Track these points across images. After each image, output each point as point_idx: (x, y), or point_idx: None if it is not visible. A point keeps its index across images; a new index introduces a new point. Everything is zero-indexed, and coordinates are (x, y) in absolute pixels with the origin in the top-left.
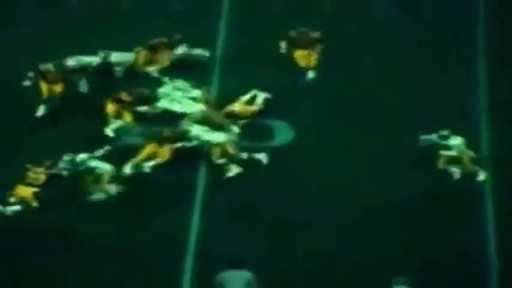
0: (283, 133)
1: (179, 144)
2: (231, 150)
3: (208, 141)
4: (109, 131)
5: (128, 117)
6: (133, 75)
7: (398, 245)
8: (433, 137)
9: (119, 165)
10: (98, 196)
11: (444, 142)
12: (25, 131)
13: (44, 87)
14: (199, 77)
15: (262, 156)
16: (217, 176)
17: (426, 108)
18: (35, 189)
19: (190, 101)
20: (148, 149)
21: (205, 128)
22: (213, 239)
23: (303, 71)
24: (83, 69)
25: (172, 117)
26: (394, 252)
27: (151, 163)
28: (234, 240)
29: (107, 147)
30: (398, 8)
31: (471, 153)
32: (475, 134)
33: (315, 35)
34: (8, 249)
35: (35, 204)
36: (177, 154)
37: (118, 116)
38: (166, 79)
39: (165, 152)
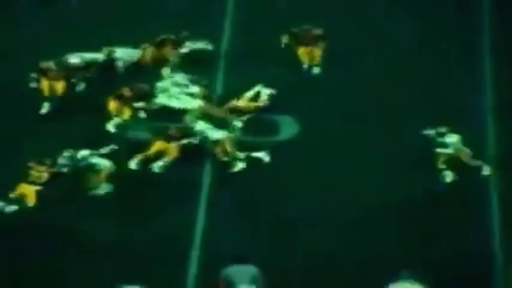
0: (288, 128)
1: (185, 141)
2: (229, 147)
3: (206, 137)
4: (111, 127)
5: (128, 113)
6: (134, 70)
7: (400, 244)
8: (432, 132)
9: (123, 161)
10: (99, 191)
11: (440, 139)
12: (26, 130)
13: (45, 85)
14: (204, 74)
15: (263, 155)
16: (222, 173)
17: (429, 107)
18: (38, 187)
19: (188, 97)
20: (157, 146)
21: (209, 125)
22: (217, 237)
23: (307, 67)
24: (84, 67)
25: (171, 113)
26: (395, 252)
27: (161, 163)
28: (238, 238)
29: (112, 146)
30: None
31: (467, 151)
32: (479, 133)
33: (318, 31)
34: (7, 249)
35: (31, 204)
36: (183, 151)
37: (120, 112)
38: (165, 74)
39: (173, 150)
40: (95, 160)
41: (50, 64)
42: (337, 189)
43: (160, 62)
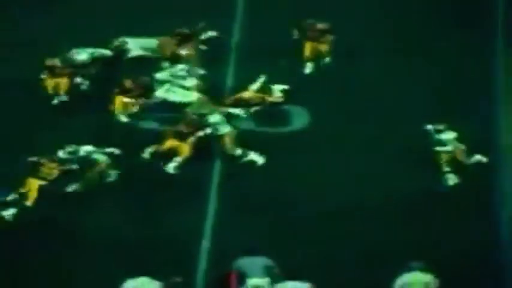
0: (299, 118)
1: (201, 133)
2: (229, 143)
3: (218, 130)
4: (123, 118)
5: (133, 106)
6: (137, 62)
7: (407, 240)
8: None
9: (133, 153)
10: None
11: (437, 136)
12: (35, 126)
13: (50, 82)
14: (215, 66)
15: (256, 157)
16: (231, 168)
17: (441, 100)
18: (42, 182)
19: (184, 91)
20: (169, 143)
21: (223, 117)
22: (227, 233)
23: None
24: (89, 63)
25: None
26: (403, 246)
27: (174, 164)
28: (247, 233)
29: (115, 150)
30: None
31: (462, 147)
32: (487, 126)
33: (323, 26)
34: (7, 248)
35: (31, 199)
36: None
37: (126, 107)
38: (166, 64)
39: (185, 148)
40: (97, 156)
41: (56, 61)
42: (349, 183)
43: (177, 56)
